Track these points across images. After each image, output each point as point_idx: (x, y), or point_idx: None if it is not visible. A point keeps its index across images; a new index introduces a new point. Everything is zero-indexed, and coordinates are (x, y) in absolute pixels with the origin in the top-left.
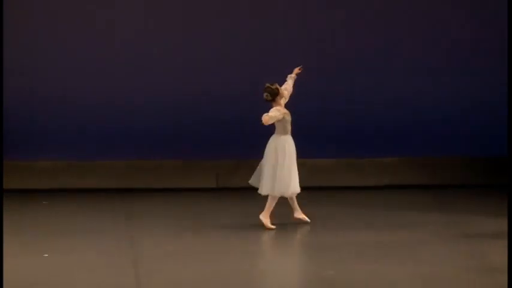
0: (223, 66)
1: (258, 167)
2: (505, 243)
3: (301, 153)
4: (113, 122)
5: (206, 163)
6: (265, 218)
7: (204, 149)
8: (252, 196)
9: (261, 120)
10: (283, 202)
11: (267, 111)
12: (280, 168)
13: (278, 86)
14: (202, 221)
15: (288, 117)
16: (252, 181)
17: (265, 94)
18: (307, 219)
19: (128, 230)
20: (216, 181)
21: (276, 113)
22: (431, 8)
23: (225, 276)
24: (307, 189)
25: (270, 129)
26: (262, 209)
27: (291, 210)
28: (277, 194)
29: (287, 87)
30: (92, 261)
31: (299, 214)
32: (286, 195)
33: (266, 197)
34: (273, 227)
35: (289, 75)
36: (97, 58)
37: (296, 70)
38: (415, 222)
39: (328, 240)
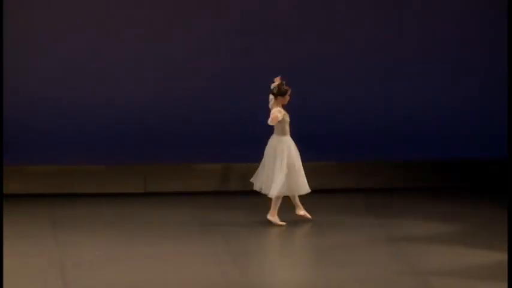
0: (220, 68)
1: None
2: (431, 246)
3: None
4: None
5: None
6: (272, 216)
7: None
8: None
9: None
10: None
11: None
12: (278, 169)
13: (289, 92)
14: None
15: (287, 118)
16: (255, 185)
17: (273, 86)
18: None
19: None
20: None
21: (278, 114)
22: (430, 9)
23: (153, 281)
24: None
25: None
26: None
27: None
28: (275, 195)
29: None
30: (17, 267)
31: (299, 210)
32: (284, 194)
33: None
34: (282, 223)
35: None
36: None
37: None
38: (345, 225)
39: (257, 245)
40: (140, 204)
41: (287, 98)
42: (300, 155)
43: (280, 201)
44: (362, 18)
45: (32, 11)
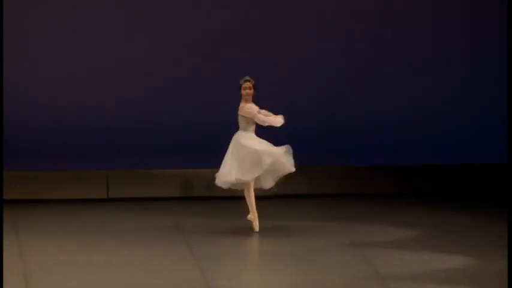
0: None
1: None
2: (395, 251)
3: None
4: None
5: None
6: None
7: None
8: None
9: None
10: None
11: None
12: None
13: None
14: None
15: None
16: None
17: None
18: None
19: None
20: None
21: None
22: (429, 11)
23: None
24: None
25: None
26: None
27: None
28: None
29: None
30: None
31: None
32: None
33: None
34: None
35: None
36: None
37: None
38: (309, 230)
39: (222, 250)
40: (103, 210)
41: (243, 92)
42: None
43: None
44: (361, 18)
45: (32, 11)
